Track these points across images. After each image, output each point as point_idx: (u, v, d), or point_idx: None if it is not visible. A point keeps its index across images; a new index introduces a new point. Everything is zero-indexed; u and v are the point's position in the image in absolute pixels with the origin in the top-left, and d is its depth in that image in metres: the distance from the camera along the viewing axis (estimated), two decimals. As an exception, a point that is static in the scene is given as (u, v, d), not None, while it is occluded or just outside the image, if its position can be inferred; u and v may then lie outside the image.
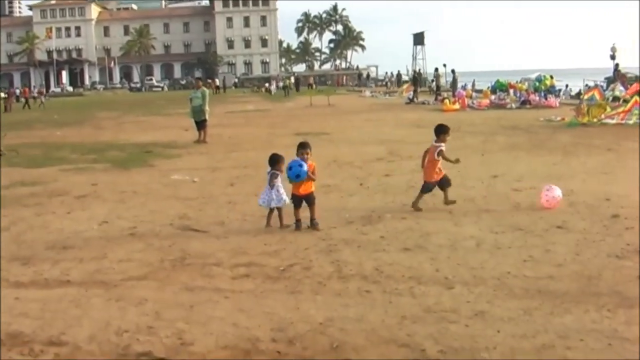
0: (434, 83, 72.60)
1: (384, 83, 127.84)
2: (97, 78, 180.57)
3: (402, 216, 14.05)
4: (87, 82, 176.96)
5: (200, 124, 31.29)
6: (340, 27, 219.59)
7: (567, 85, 76.64)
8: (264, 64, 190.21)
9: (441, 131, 15.17)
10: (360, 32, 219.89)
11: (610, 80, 56.33)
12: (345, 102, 67.47)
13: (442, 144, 14.95)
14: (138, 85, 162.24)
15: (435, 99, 61.34)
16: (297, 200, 13.40)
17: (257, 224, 13.87)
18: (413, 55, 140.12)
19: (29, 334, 8.19)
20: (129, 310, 8.95)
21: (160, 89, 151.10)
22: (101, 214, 15.29)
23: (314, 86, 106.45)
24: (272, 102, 69.82)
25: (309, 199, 13.39)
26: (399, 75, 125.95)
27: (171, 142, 31.10)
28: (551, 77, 61.76)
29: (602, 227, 12.99)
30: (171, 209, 15.64)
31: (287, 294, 9.51)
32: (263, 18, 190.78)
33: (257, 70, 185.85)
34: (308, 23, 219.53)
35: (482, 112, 47.99)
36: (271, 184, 13.58)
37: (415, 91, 66.30)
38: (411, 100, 62.74)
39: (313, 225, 13.21)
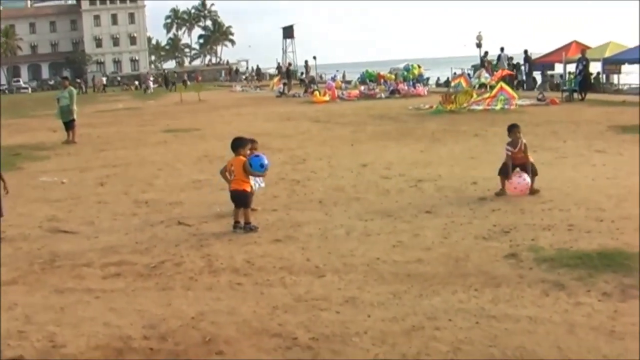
0: (304, 75, 72.95)
1: (244, 77, 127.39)
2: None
3: (273, 208, 14.12)
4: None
5: (69, 124, 30.64)
6: (209, 23, 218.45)
7: (438, 78, 77.77)
8: (134, 61, 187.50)
9: (508, 130, 15.13)
10: (229, 27, 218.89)
11: (476, 68, 57.53)
12: (216, 97, 67.05)
13: (508, 147, 14.77)
14: (5, 87, 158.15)
15: (305, 92, 61.52)
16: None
17: (128, 223, 13.78)
18: (283, 49, 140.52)
19: None
20: (-1, 315, 8.78)
21: (27, 90, 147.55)
22: (-32, 220, 14.91)
23: (187, 83, 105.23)
24: (142, 100, 68.89)
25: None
26: (258, 69, 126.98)
27: (39, 143, 30.38)
28: (419, 66, 62.66)
29: (469, 210, 13.32)
30: (40, 211, 15.38)
31: (159, 291, 9.49)
32: (131, 15, 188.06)
33: (127, 68, 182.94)
34: (177, 19, 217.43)
35: (352, 103, 48.38)
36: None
37: (286, 84, 66.41)
38: (282, 94, 62.82)
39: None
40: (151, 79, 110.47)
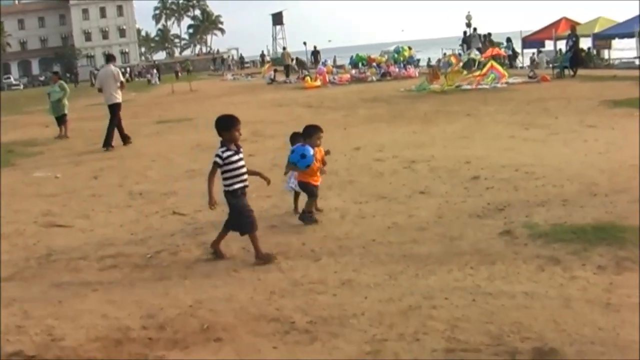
0: (293, 62, 73.06)
1: (229, 66, 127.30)
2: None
3: (267, 195, 13.99)
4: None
5: (61, 119, 30.67)
6: (198, 12, 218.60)
7: (429, 59, 77.88)
8: (124, 54, 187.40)
9: None
10: (218, 16, 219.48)
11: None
12: (208, 87, 67.03)
13: None
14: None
15: (288, 76, 61.62)
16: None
17: (123, 215, 13.79)
18: (273, 36, 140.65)
19: None
20: (-3, 312, 8.78)
21: (19, 87, 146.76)
22: (-37, 218, 14.90)
23: (179, 74, 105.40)
24: (134, 92, 68.64)
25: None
26: (241, 57, 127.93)
27: (32, 139, 30.29)
28: (409, 48, 62.52)
29: (463, 189, 13.35)
30: (34, 206, 15.34)
31: (156, 281, 9.50)
32: (119, 8, 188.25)
33: (117, 61, 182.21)
34: (165, 10, 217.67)
35: (344, 87, 48.34)
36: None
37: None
38: (273, 80, 62.77)
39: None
40: (154, 70, 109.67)
